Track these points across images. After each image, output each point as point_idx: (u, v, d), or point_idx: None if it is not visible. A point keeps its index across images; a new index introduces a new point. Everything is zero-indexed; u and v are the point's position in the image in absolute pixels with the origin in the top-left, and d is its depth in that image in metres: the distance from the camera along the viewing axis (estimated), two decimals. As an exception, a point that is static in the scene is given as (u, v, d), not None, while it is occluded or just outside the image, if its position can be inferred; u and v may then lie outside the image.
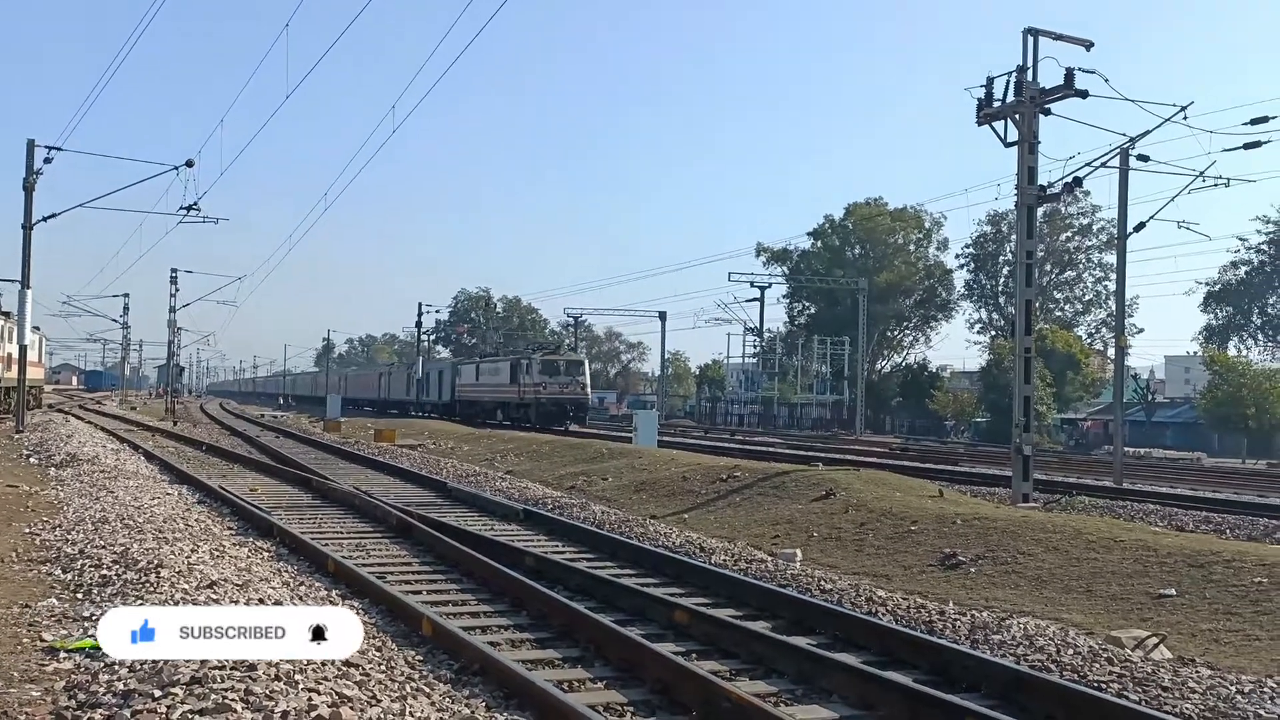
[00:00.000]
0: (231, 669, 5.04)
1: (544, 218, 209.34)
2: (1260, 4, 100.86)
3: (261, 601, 7.89)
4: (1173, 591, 9.83)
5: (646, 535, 13.31)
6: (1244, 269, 66.92)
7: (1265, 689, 6.40)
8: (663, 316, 71.34)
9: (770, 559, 11.94)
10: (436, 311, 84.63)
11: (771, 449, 33.01)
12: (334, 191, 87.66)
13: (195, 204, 28.48)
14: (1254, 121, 21.87)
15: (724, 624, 7.71)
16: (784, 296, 78.27)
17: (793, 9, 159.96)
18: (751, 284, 61.11)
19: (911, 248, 77.86)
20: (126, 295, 73.71)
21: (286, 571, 9.64)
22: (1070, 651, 7.36)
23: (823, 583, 10.14)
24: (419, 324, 72.16)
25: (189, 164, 26.65)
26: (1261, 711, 5.89)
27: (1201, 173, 22.74)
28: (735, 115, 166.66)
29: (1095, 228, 69.91)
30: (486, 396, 49.17)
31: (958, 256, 77.19)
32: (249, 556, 10.13)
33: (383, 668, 6.32)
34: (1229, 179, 23.62)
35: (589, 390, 47.41)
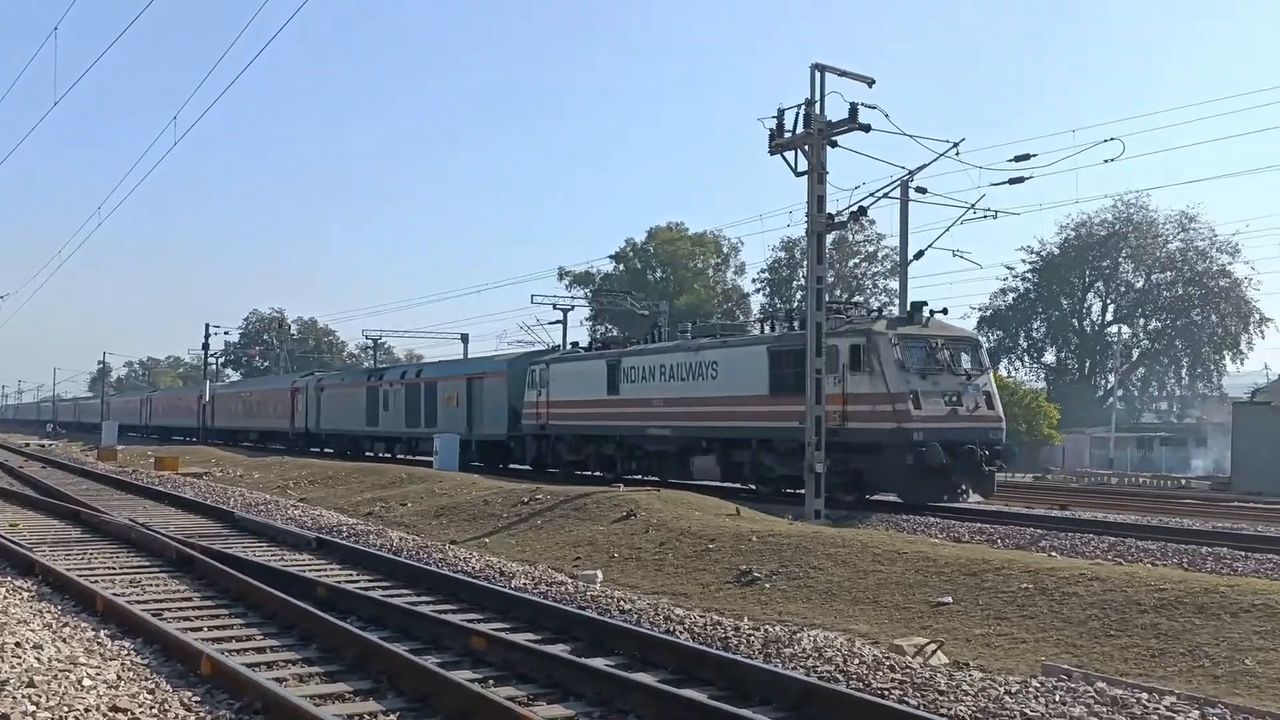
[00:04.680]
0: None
1: (336, 237, 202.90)
2: (1025, 53, 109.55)
3: (19, 645, 7.27)
4: (950, 599, 10.38)
5: (445, 561, 13.03)
6: (1011, 295, 71.98)
7: (1030, 688, 6.82)
8: (465, 339, 70.42)
9: (571, 581, 11.90)
10: (226, 333, 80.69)
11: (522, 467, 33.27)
12: (108, 205, 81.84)
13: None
14: (1018, 159, 23.60)
15: (522, 648, 7.59)
16: (587, 319, 78.81)
17: (592, 33, 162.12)
18: (554, 306, 61.08)
19: (710, 272, 79.99)
20: None
21: (49, 612, 8.91)
22: (856, 661, 7.63)
23: (622, 603, 10.17)
24: (206, 346, 68.67)
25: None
26: (1027, 710, 6.27)
27: (973, 205, 24.20)
28: (533, 138, 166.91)
29: (881, 255, 73.71)
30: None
31: (754, 281, 79.77)
32: (6, 597, 9.32)
33: (155, 711, 5.92)
34: (997, 211, 25.32)
35: None
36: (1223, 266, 61.14)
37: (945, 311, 21.48)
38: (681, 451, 23.85)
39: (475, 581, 10.91)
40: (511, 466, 31.59)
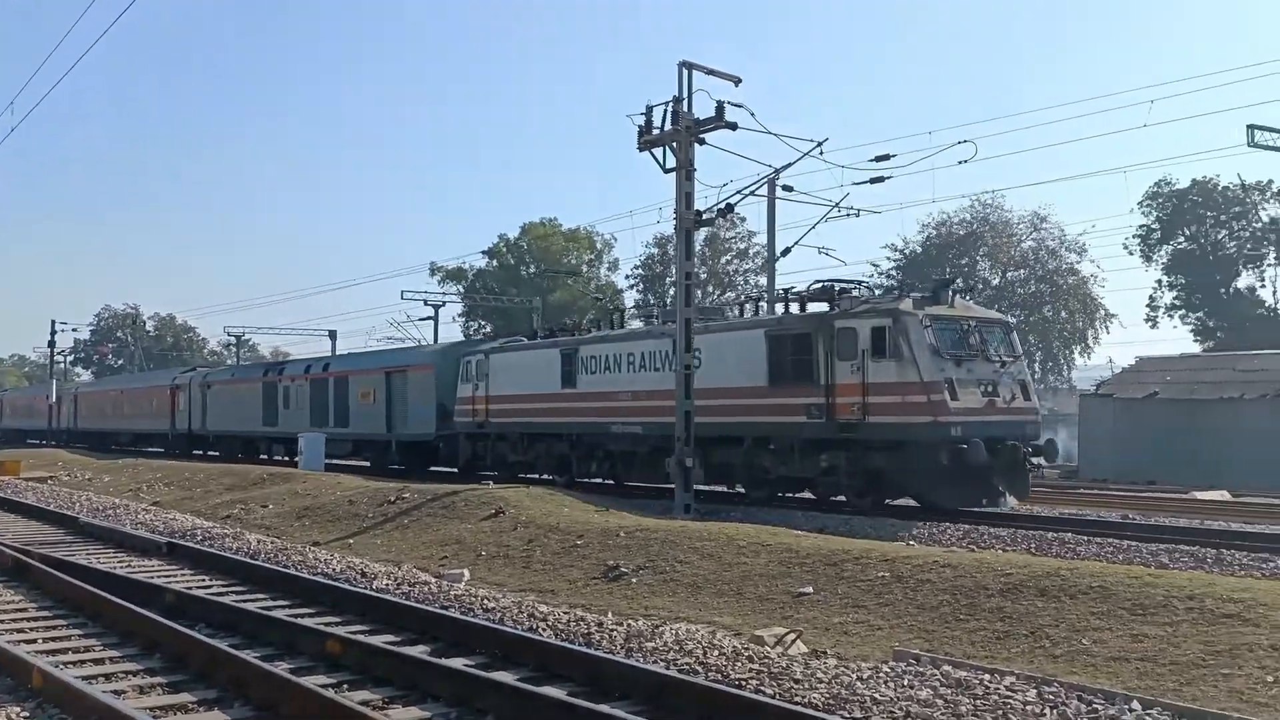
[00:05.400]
0: None
1: (192, 231, 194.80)
2: (885, 55, 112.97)
3: None
4: (810, 589, 10.59)
5: (305, 563, 12.68)
6: (877, 293, 74.10)
7: (881, 673, 7.00)
8: (333, 335, 68.85)
9: (436, 581, 11.72)
10: (74, 330, 76.97)
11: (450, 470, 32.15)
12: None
13: None
14: (878, 159, 24.26)
15: (379, 651, 7.43)
16: (460, 315, 77.94)
17: (465, 29, 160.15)
18: (425, 302, 60.17)
19: (584, 268, 79.97)
20: None
21: None
22: (716, 653, 7.71)
23: (486, 601, 10.07)
24: (52, 343, 65.37)
25: None
26: (876, 694, 6.43)
27: (837, 204, 24.83)
28: (404, 134, 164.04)
29: (752, 252, 74.92)
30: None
31: (628, 277, 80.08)
32: None
33: (-24, 731, 5.57)
34: (859, 210, 26.00)
35: None
36: (1071, 265, 64.12)
37: (971, 290, 19.59)
38: (653, 451, 20.52)
39: (335, 584, 10.65)
40: (438, 470, 28.42)
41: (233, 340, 75.55)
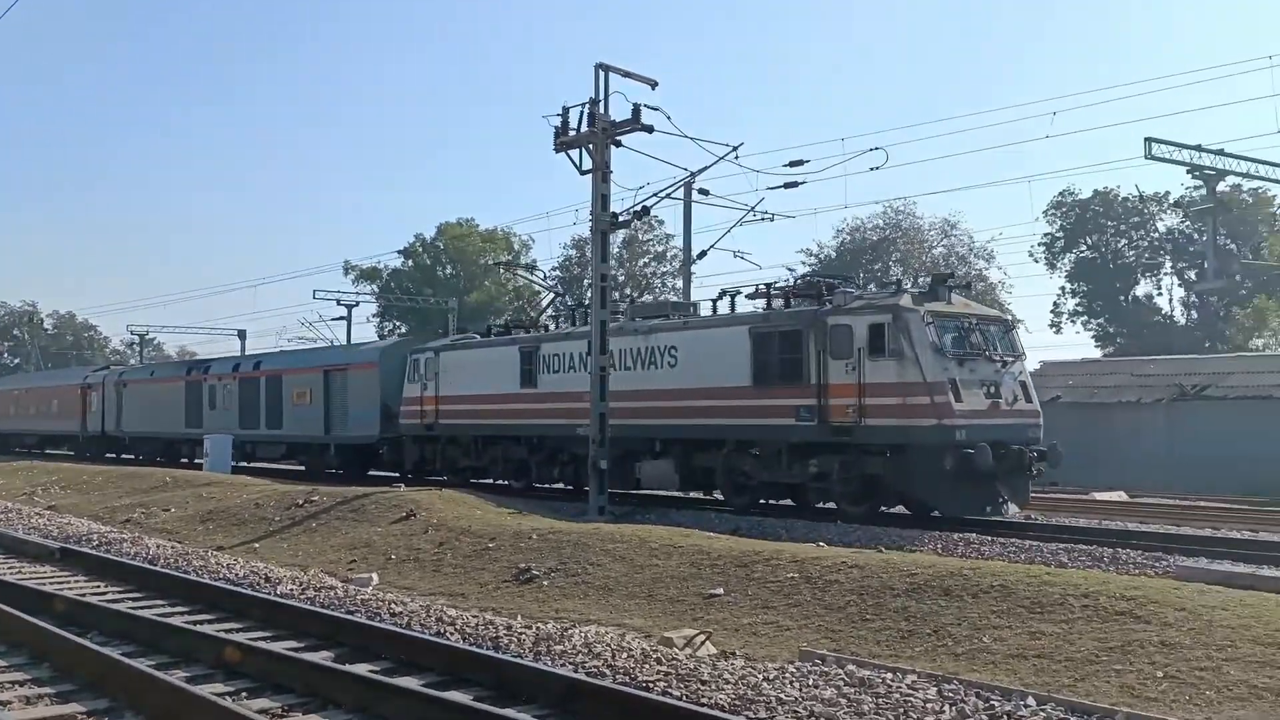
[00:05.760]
0: None
1: (95, 228, 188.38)
2: (798, 59, 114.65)
3: None
4: (721, 591, 10.65)
5: (207, 569, 12.36)
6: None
7: (787, 674, 7.07)
8: (242, 335, 67.39)
9: (343, 585, 11.51)
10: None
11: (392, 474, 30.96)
12: None
13: None
14: (792, 164, 24.58)
15: (281, 658, 7.26)
16: (374, 315, 76.83)
17: (384, 26, 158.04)
18: (338, 302, 59.21)
19: (501, 269, 79.53)
20: None
21: None
22: (625, 655, 7.70)
23: (394, 606, 9.91)
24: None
25: None
26: (781, 695, 6.48)
27: (752, 208, 25.12)
28: (318, 131, 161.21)
29: (670, 255, 75.26)
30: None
31: (545, 278, 79.83)
32: None
33: None
34: (774, 215, 26.31)
35: None
36: (979, 271, 65.72)
37: (968, 286, 19.05)
38: (625, 456, 19.35)
39: (237, 589, 10.39)
40: (379, 474, 26.90)
41: (137, 339, 73.47)
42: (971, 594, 9.09)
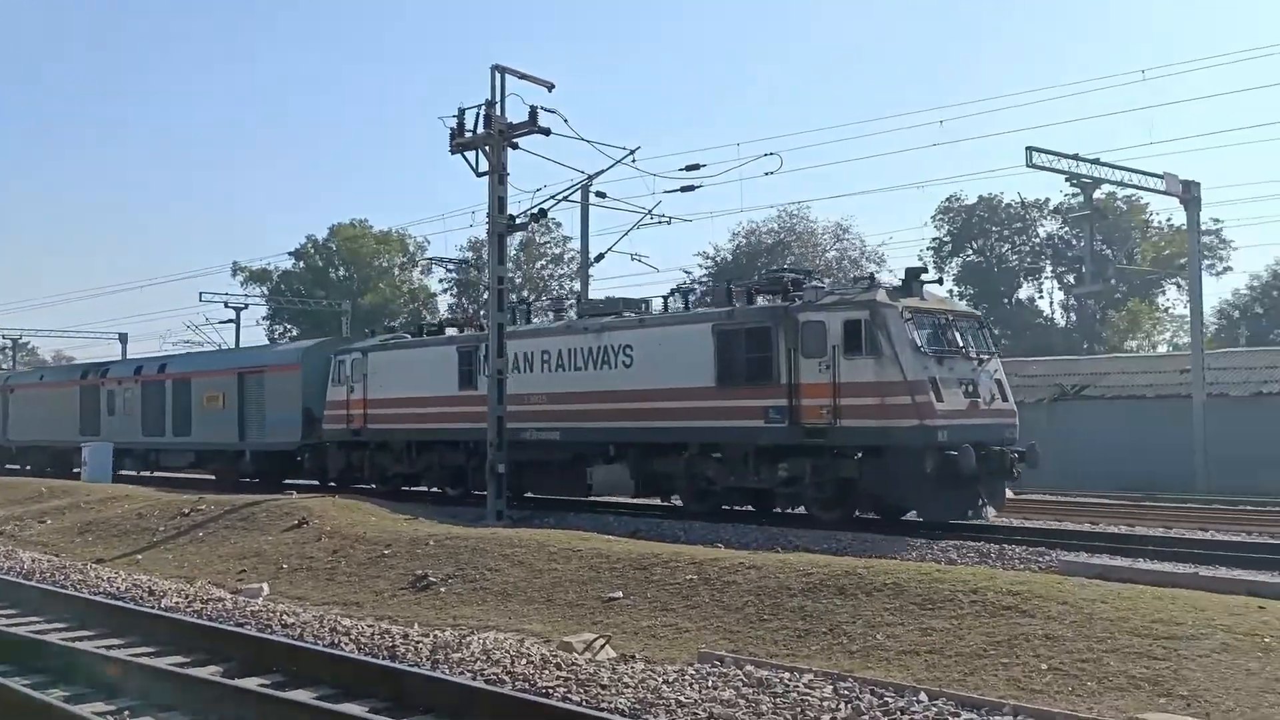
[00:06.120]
0: None
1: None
2: (694, 65, 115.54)
3: None
4: (620, 594, 10.65)
5: (86, 582, 11.88)
6: (690, 298, 75.73)
7: (686, 676, 7.10)
8: (123, 338, 65.00)
9: (232, 597, 11.19)
10: None
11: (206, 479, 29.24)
12: None
13: None
14: (688, 168, 24.77)
15: (165, 674, 7.01)
16: (264, 318, 74.93)
17: (272, 21, 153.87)
18: (226, 304, 57.53)
19: (396, 271, 78.36)
20: None
21: None
22: (524, 661, 7.64)
23: (286, 617, 9.67)
24: None
25: None
26: (681, 697, 6.52)
27: (649, 211, 25.22)
28: (208, 127, 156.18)
29: (567, 257, 75.16)
30: None
31: (441, 281, 78.96)
32: None
33: None
34: (671, 218, 26.47)
35: None
36: (872, 274, 67.25)
37: (940, 282, 18.15)
38: (575, 460, 18.81)
39: (118, 603, 10.01)
40: (296, 483, 25.22)
41: (8, 344, 70.25)
42: (866, 592, 9.27)
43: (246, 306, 64.99)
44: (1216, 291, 58.65)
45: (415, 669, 7.33)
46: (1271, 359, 31.82)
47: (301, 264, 75.96)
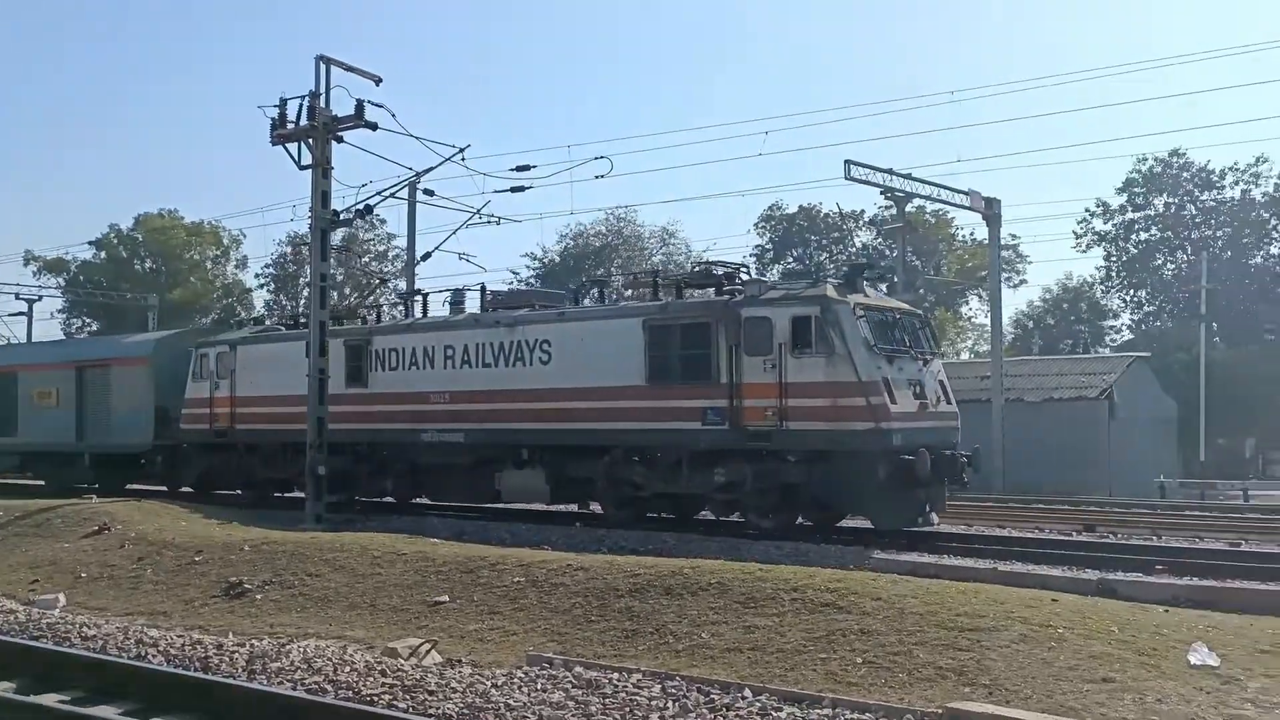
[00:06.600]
0: None
1: None
2: (525, 65, 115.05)
3: None
4: (446, 598, 10.51)
5: None
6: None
7: (515, 679, 7.08)
8: (-102, 331, 59.74)
9: (24, 608, 10.48)
10: None
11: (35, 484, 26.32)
12: None
13: None
14: (519, 169, 24.65)
15: (-51, 694, 6.50)
16: (60, 311, 70.26)
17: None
18: (17, 296, 53.76)
19: (209, 265, 74.91)
20: None
21: None
22: (348, 669, 7.44)
23: (86, 629, 9.13)
24: None
25: None
26: (511, 700, 6.48)
27: (478, 210, 25.00)
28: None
29: (392, 255, 73.56)
30: None
31: (257, 276, 75.96)
32: None
33: None
34: (500, 218, 26.31)
35: None
36: (696, 280, 68.59)
37: (884, 278, 17.08)
38: (481, 464, 17.55)
39: (-107, 618, 9.20)
40: (142, 488, 22.77)
41: None
42: (691, 592, 9.44)
43: (40, 298, 60.92)
44: (1013, 302, 62.48)
45: (230, 680, 7.03)
46: (1061, 366, 34.18)
47: (103, 255, 71.68)
